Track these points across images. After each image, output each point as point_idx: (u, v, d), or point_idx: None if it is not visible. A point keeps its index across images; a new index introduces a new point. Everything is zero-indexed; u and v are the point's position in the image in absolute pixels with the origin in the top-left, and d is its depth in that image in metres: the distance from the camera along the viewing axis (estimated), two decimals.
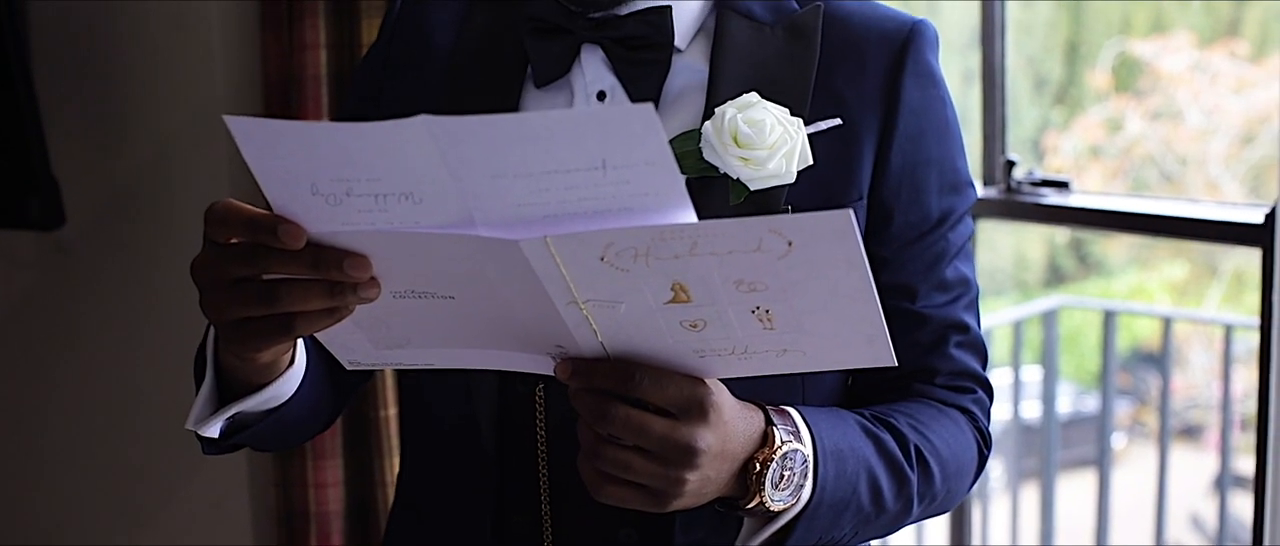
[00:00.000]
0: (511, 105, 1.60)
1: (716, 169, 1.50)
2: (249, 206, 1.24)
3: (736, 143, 1.48)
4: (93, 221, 3.11)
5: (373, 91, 1.71)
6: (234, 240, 1.25)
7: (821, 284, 1.23)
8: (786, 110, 1.50)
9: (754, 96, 1.50)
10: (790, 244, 1.19)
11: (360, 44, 2.68)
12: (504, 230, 1.20)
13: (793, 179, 1.49)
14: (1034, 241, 9.25)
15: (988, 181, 3.41)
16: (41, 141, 2.95)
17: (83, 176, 3.08)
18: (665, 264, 1.22)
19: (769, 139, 1.47)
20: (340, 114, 1.78)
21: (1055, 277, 9.31)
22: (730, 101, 1.50)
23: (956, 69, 7.10)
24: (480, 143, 1.16)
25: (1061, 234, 8.92)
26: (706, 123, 1.50)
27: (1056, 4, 8.77)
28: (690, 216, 1.21)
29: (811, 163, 1.50)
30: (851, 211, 1.17)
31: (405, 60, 1.69)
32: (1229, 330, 4.84)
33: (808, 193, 1.52)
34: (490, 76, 1.62)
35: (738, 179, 1.49)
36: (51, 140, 2.99)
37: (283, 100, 2.75)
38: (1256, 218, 2.83)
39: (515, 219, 1.20)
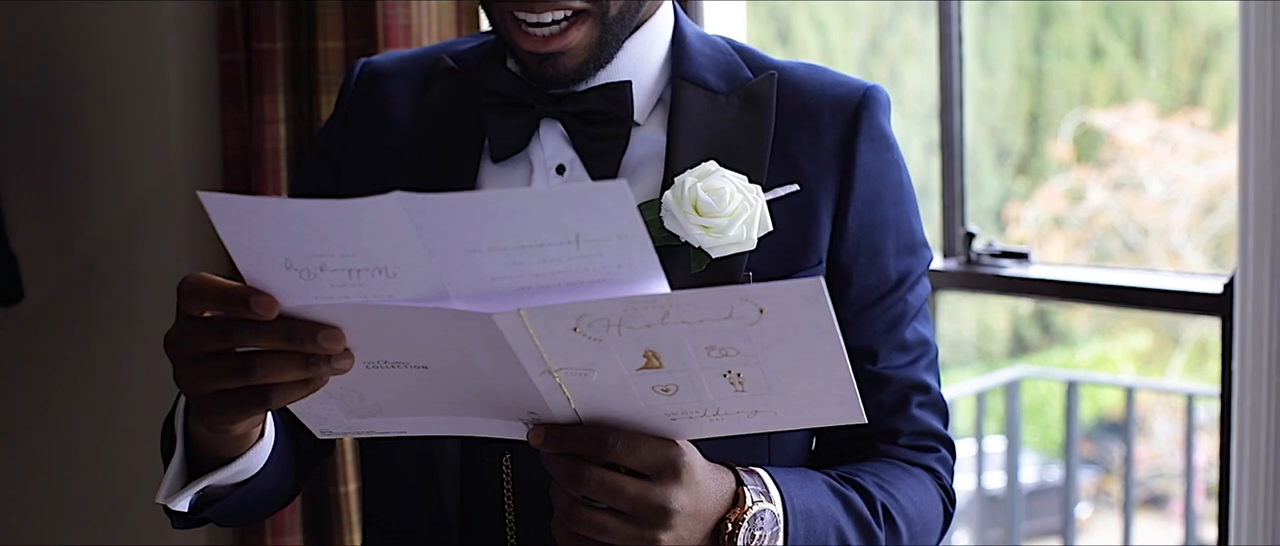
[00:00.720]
0: (468, 179, 1.60)
1: (677, 237, 1.51)
2: (221, 279, 1.24)
3: (697, 211, 1.48)
4: (52, 296, 3.10)
5: (329, 164, 1.71)
6: (207, 313, 1.25)
7: (792, 348, 1.24)
8: (745, 178, 1.51)
9: (712, 165, 1.50)
10: (762, 311, 1.20)
11: (319, 118, 2.68)
12: (478, 303, 1.21)
13: (753, 245, 1.50)
14: (997, 312, 9.26)
15: (947, 253, 3.42)
16: (0, 217, 2.94)
17: (42, 251, 3.07)
18: (637, 333, 1.22)
19: (729, 206, 1.48)
20: (296, 186, 1.77)
21: (1019, 348, 9.32)
22: (689, 170, 1.50)
23: (918, 140, 7.13)
24: (455, 218, 1.17)
25: (1025, 304, 8.93)
26: (666, 192, 1.51)
27: (1018, 74, 8.81)
28: (662, 286, 1.22)
29: (771, 229, 1.51)
30: (821, 279, 1.18)
31: (362, 134, 1.69)
32: (1191, 399, 4.85)
33: (768, 258, 1.53)
34: (447, 150, 1.62)
35: (699, 247, 1.50)
36: (10, 215, 2.98)
37: (242, 174, 2.74)
38: (1215, 287, 2.84)
39: (489, 291, 1.21)
